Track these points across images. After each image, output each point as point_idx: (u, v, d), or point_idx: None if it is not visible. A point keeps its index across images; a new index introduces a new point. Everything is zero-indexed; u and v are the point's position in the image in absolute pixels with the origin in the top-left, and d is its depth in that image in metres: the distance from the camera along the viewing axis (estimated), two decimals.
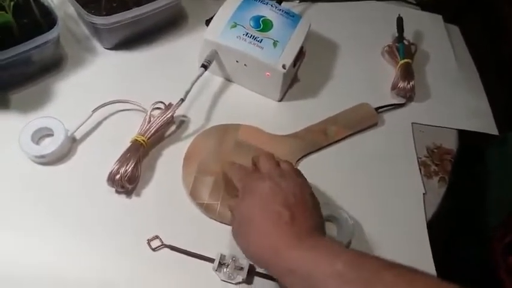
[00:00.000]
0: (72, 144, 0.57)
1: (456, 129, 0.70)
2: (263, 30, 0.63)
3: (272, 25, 0.64)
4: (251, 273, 0.52)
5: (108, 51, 0.66)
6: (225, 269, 0.51)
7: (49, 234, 0.51)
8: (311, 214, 0.46)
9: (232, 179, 0.52)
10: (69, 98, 0.61)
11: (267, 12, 0.65)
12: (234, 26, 0.63)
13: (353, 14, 0.81)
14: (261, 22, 0.64)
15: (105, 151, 0.56)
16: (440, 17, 0.84)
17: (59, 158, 0.56)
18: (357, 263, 0.40)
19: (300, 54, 0.64)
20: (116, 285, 0.49)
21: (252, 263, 0.51)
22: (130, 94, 0.61)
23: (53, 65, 0.63)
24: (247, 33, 0.62)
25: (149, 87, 0.64)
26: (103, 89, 0.62)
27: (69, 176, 0.55)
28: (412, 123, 0.69)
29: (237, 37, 0.62)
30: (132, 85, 0.63)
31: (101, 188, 0.54)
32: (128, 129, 0.58)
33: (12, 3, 0.54)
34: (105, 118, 0.60)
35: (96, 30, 0.63)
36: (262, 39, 0.62)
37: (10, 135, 0.55)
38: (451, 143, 0.68)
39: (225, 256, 0.52)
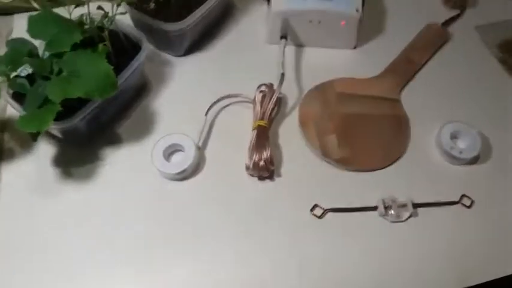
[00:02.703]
0: (199, 152, 0.58)
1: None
2: None
3: None
4: (415, 206, 0.55)
5: (181, 58, 0.67)
6: (391, 211, 0.54)
7: (225, 242, 0.53)
8: None
9: None
10: (170, 113, 0.62)
11: None
12: None
13: None
14: None
15: (230, 147, 0.58)
16: None
17: (194, 169, 0.57)
18: None
19: None
20: (311, 260, 0.52)
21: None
22: (224, 90, 0.62)
23: (142, 89, 0.63)
24: None
25: (236, 77, 0.65)
26: (197, 94, 0.63)
27: (210, 183, 0.57)
28: (475, 27, 0.71)
29: None
30: (221, 81, 0.64)
31: (244, 182, 0.57)
32: (241, 120, 0.60)
33: (107, 32, 0.53)
34: (216, 118, 0.61)
35: (166, 39, 0.63)
36: None
37: (137, 162, 0.57)
38: None
39: (384, 200, 0.55)
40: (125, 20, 0.60)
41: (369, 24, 0.70)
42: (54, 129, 0.54)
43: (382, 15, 0.73)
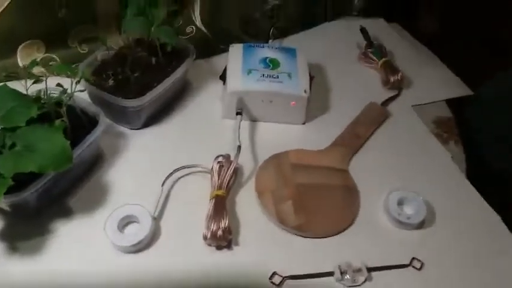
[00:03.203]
0: (155, 223, 0.58)
1: (443, 100, 0.82)
2: (274, 68, 0.70)
3: (278, 62, 0.71)
4: (369, 270, 0.56)
5: (138, 131, 0.68)
6: (346, 276, 0.55)
7: None
8: None
9: None
10: (125, 184, 0.62)
11: (268, 52, 0.73)
12: (250, 72, 0.69)
13: (318, 36, 0.92)
14: (268, 62, 0.71)
15: (187, 217, 0.59)
16: (382, 19, 0.98)
17: (149, 241, 0.56)
18: None
19: (311, 79, 0.72)
20: None
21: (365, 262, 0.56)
22: (181, 161, 0.63)
23: (97, 160, 0.63)
24: (263, 75, 0.69)
25: (194, 150, 0.67)
26: (153, 165, 0.64)
27: (167, 254, 0.56)
28: (411, 106, 0.79)
29: (257, 80, 0.69)
30: (178, 153, 0.66)
31: (202, 252, 0.56)
32: (198, 191, 0.61)
33: (65, 108, 0.54)
34: (172, 188, 0.62)
35: (124, 114, 0.65)
36: (278, 75, 0.69)
37: (89, 235, 0.56)
38: (446, 112, 0.80)
39: (340, 265, 0.56)
40: (82, 95, 0.62)
41: (317, 102, 0.76)
42: (3, 203, 0.53)
43: (328, 94, 0.79)
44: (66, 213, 0.58)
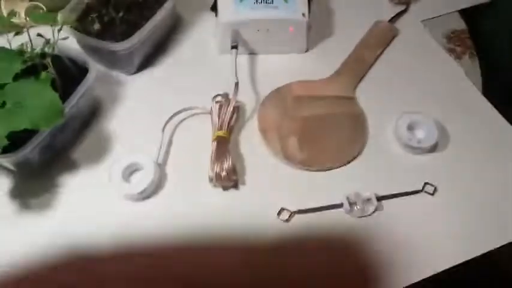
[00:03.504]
0: (160, 169, 0.57)
1: (456, 11, 0.75)
2: None
3: None
4: (379, 199, 0.55)
5: (134, 76, 0.66)
6: (355, 207, 0.54)
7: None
8: None
9: None
10: (127, 132, 0.60)
11: None
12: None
13: None
14: None
15: (191, 161, 0.58)
16: None
17: (155, 187, 0.56)
18: None
19: (309, 1, 0.66)
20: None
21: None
22: (180, 104, 0.61)
23: (95, 111, 0.62)
24: (256, 1, 0.64)
25: (191, 90, 0.64)
26: (152, 110, 0.62)
27: (174, 200, 0.55)
28: (421, 21, 0.73)
29: (251, 8, 0.63)
30: (176, 96, 0.63)
31: (209, 194, 0.56)
32: (200, 133, 0.59)
33: (49, 58, 0.52)
34: (174, 133, 0.60)
35: (115, 59, 0.62)
36: (272, 0, 0.64)
37: (96, 186, 0.55)
38: (460, 24, 0.74)
39: (348, 197, 0.55)
40: (71, 44, 0.59)
41: (318, 26, 0.71)
42: (5, 162, 0.52)
43: (331, 16, 0.74)
44: (70, 166, 0.57)
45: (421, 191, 0.56)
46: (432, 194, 0.56)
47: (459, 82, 0.66)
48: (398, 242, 0.53)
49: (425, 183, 0.57)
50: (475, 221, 0.54)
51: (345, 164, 0.58)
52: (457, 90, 0.66)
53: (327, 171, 0.58)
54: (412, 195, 0.56)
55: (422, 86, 0.66)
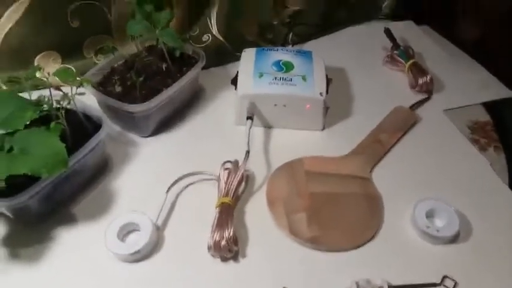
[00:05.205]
0: (158, 232, 0.54)
1: (480, 103, 0.74)
2: (287, 70, 0.66)
3: (293, 65, 0.67)
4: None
5: (148, 138, 0.66)
6: None
7: None
8: None
9: None
10: (130, 192, 0.59)
11: (282, 55, 0.69)
12: (261, 75, 0.66)
13: (342, 41, 0.88)
14: (282, 65, 0.67)
15: (192, 227, 0.55)
16: (411, 22, 0.92)
17: (151, 250, 0.52)
18: None
19: (328, 81, 0.67)
20: None
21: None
22: (189, 169, 0.60)
23: (103, 167, 0.61)
24: (275, 77, 0.65)
25: (204, 158, 0.63)
26: (160, 173, 0.60)
27: (169, 265, 0.52)
28: (443, 110, 0.72)
29: (269, 83, 0.65)
30: (187, 161, 0.62)
31: (206, 264, 0.52)
32: (205, 199, 0.57)
33: (63, 111, 0.53)
34: (178, 197, 0.58)
35: (132, 121, 0.63)
36: (291, 78, 0.65)
37: (91, 244, 0.53)
38: (484, 116, 0.72)
39: (358, 282, 0.50)
40: (90, 101, 0.61)
41: (337, 108, 0.71)
42: (2, 206, 0.51)
43: (350, 100, 0.74)
44: (68, 220, 0.56)
45: (440, 284, 0.50)
46: None
47: (484, 173, 0.63)
48: None
49: (444, 277, 0.51)
50: None
51: (356, 247, 0.54)
52: (482, 181, 0.62)
53: (336, 253, 0.53)
54: None
55: (443, 174, 0.62)
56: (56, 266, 0.52)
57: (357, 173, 0.61)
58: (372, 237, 0.55)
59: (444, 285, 0.50)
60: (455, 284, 0.50)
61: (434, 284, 0.50)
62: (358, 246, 0.54)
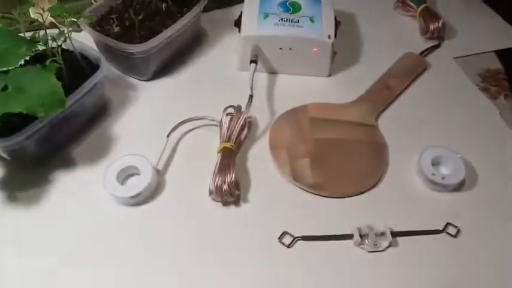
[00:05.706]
0: (158, 176, 0.53)
1: (492, 51, 0.71)
2: (294, 11, 0.63)
3: (300, 5, 0.64)
4: (394, 235, 0.49)
5: (148, 82, 0.64)
6: (366, 240, 0.49)
7: (185, 269, 0.47)
8: None
9: None
10: (130, 136, 0.58)
11: None
12: (266, 16, 0.62)
13: None
14: (288, 5, 0.64)
15: (193, 171, 0.54)
16: None
17: (151, 194, 0.52)
18: None
19: (337, 24, 0.64)
20: None
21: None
22: (191, 114, 0.58)
23: (102, 111, 0.60)
24: (281, 19, 0.62)
25: (205, 103, 0.61)
26: (160, 118, 0.59)
27: (169, 208, 0.51)
28: (453, 57, 0.70)
29: (274, 24, 0.62)
30: (188, 106, 0.60)
31: (207, 208, 0.51)
32: (207, 144, 0.56)
33: (59, 48, 0.50)
34: (179, 141, 0.57)
35: (131, 62, 0.60)
36: (298, 20, 0.62)
37: (90, 187, 0.52)
38: (495, 64, 0.70)
39: (360, 228, 0.49)
40: (88, 42, 0.58)
41: (345, 53, 0.69)
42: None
43: (358, 46, 0.71)
44: (67, 163, 0.55)
45: (442, 231, 0.50)
46: (455, 236, 0.50)
47: (493, 121, 0.61)
48: (412, 282, 0.46)
49: (448, 224, 0.50)
50: (500, 270, 0.48)
51: (359, 194, 0.53)
52: (490, 130, 0.60)
53: (338, 199, 0.53)
54: (431, 235, 0.50)
55: (452, 122, 0.61)
56: (53, 208, 0.51)
57: (362, 120, 0.60)
58: (376, 184, 0.54)
59: (447, 232, 0.50)
60: (458, 230, 0.50)
61: (438, 231, 0.50)
62: (362, 193, 0.53)
